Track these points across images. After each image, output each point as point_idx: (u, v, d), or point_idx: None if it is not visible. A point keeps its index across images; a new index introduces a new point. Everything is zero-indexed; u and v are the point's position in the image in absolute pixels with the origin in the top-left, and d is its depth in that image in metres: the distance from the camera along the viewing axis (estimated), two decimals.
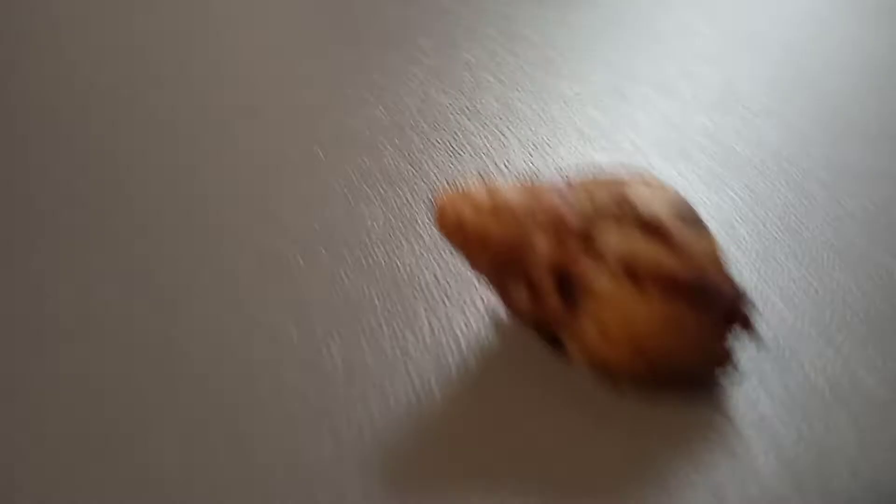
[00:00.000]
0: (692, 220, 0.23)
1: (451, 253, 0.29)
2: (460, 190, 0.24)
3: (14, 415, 0.24)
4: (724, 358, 0.25)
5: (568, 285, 0.23)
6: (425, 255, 0.29)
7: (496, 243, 0.23)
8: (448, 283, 0.28)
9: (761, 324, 0.27)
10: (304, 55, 0.41)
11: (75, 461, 0.22)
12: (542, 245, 0.23)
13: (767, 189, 0.32)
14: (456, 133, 0.35)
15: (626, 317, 0.22)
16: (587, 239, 0.23)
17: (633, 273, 0.22)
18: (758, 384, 0.25)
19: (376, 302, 0.28)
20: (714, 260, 0.23)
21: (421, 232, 0.30)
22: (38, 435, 0.23)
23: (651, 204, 0.23)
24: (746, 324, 0.24)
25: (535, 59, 0.39)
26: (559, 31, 0.41)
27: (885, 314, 0.27)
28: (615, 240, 0.23)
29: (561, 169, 0.32)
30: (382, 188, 0.32)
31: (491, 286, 0.25)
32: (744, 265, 0.29)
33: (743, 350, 0.26)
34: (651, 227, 0.23)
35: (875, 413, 0.24)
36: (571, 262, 0.23)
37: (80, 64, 0.40)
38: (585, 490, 0.22)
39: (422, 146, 0.34)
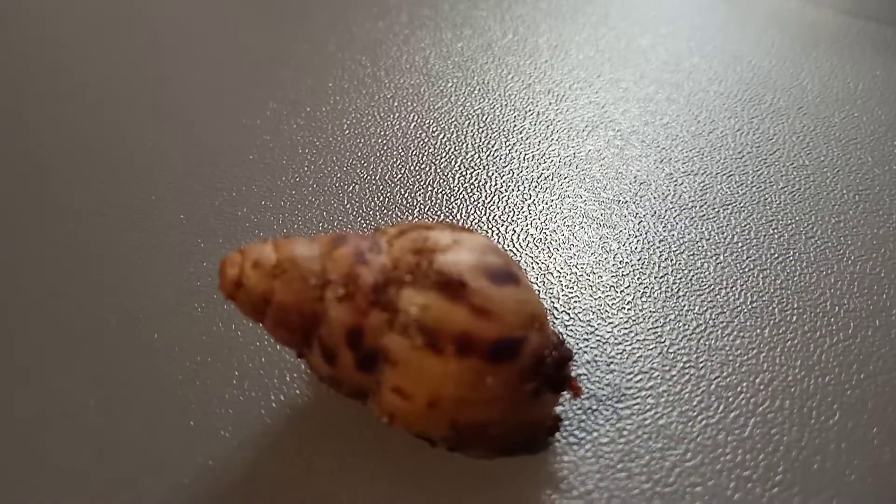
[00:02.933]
0: (501, 275, 0.21)
1: None
2: (245, 247, 0.21)
3: None
4: (550, 422, 0.23)
5: (366, 352, 0.20)
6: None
7: (280, 306, 0.20)
8: (269, 340, 0.26)
9: (596, 380, 0.24)
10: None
11: None
12: (335, 308, 0.20)
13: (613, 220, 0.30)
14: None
15: (422, 377, 0.20)
16: (385, 300, 0.20)
17: (429, 335, 0.20)
18: (593, 445, 0.23)
19: (191, 361, 0.25)
20: (524, 314, 0.21)
21: None
22: None
23: (452, 260, 0.20)
24: (563, 377, 0.21)
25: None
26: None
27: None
28: (412, 301, 0.20)
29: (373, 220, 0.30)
30: (215, 243, 0.29)
31: (293, 350, 0.22)
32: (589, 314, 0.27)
33: (576, 412, 0.24)
34: (451, 287, 0.20)
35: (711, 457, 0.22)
36: (366, 326, 0.20)
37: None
38: None
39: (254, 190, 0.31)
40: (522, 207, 0.30)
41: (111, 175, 0.32)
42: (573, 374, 0.22)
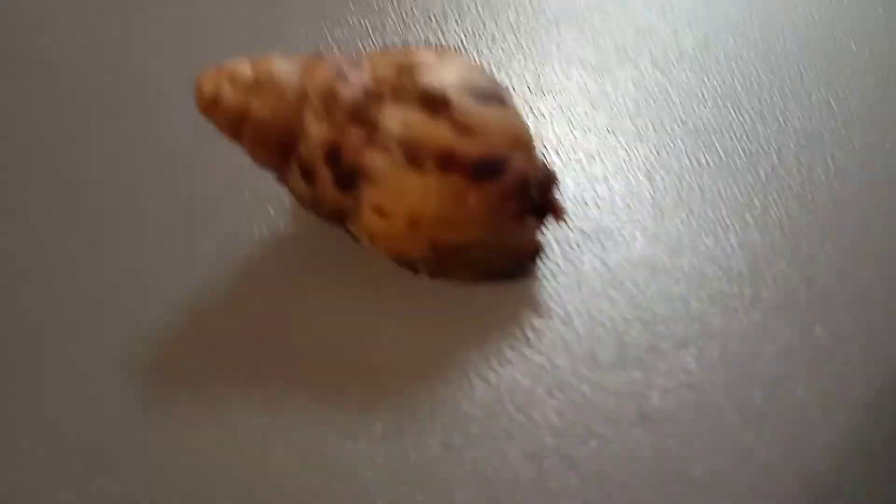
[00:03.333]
0: (488, 95, 0.20)
1: None
2: (222, 64, 0.20)
3: None
4: (532, 247, 0.22)
5: (344, 169, 0.20)
6: (235, 150, 0.26)
7: (258, 122, 0.20)
8: (253, 175, 0.25)
9: (580, 210, 0.24)
10: None
11: None
12: (314, 125, 0.20)
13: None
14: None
15: (402, 194, 0.20)
16: (364, 116, 0.20)
17: (410, 151, 0.19)
18: (576, 275, 0.23)
19: (174, 196, 0.25)
20: (509, 135, 0.20)
21: None
22: None
23: (436, 78, 0.20)
24: (547, 201, 0.21)
25: None
26: None
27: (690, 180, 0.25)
28: (393, 117, 0.20)
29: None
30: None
31: (273, 174, 0.22)
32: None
33: (557, 241, 0.23)
34: (433, 103, 0.20)
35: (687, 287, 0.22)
36: (345, 143, 0.20)
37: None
38: (361, 388, 0.20)
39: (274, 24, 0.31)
40: (518, 52, 0.29)
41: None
42: (557, 200, 0.22)
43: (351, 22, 0.31)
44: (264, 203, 0.24)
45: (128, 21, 0.31)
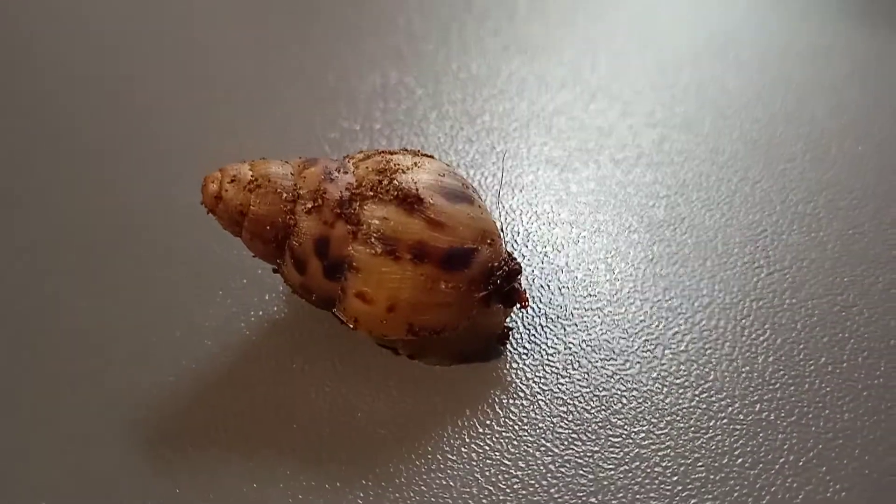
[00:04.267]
0: (458, 195, 0.23)
1: None
2: (224, 166, 0.23)
3: None
4: (500, 332, 0.25)
5: (332, 261, 0.22)
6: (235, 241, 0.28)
7: (256, 217, 0.22)
8: (252, 264, 0.27)
9: (547, 294, 0.26)
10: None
11: None
12: (304, 220, 0.22)
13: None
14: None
15: (382, 282, 0.22)
16: (349, 213, 0.22)
17: (388, 244, 0.22)
18: (540, 356, 0.25)
19: (177, 280, 0.27)
20: (476, 229, 0.23)
21: None
22: None
23: (411, 179, 0.22)
24: (512, 290, 0.23)
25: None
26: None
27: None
28: (374, 214, 0.22)
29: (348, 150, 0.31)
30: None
31: (269, 264, 0.24)
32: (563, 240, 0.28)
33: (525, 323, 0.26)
34: (408, 202, 0.22)
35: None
36: (333, 236, 0.22)
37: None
38: (349, 464, 0.22)
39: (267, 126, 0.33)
40: (490, 154, 0.32)
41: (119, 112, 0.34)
42: (523, 288, 0.24)
43: (342, 126, 0.34)
44: (262, 290, 0.26)
45: (138, 118, 0.34)
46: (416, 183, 0.22)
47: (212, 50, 0.38)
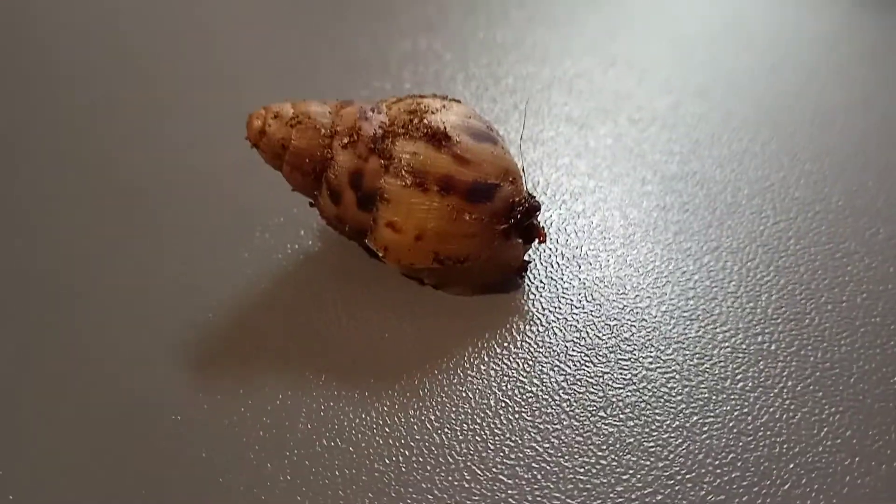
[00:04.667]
0: (482, 135, 0.24)
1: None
2: (270, 105, 0.25)
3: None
4: (519, 264, 0.26)
5: (365, 192, 0.24)
6: (274, 180, 0.30)
7: (296, 151, 0.24)
8: (288, 203, 0.29)
9: (563, 232, 0.28)
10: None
11: None
12: (340, 154, 0.24)
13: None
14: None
15: (411, 212, 0.23)
16: (382, 149, 0.24)
17: (417, 176, 0.23)
18: (557, 290, 0.26)
19: (220, 220, 0.29)
20: (499, 167, 0.24)
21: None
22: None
23: (440, 119, 0.24)
24: (531, 225, 0.25)
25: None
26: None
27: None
28: (404, 149, 0.24)
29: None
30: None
31: (307, 198, 0.26)
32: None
33: (541, 259, 0.27)
34: (437, 138, 0.24)
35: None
36: (366, 169, 0.24)
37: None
38: (377, 379, 0.23)
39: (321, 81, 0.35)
40: (514, 112, 0.34)
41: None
42: (541, 225, 0.25)
43: (374, 85, 0.35)
44: (297, 227, 0.28)
45: (185, 66, 0.36)
46: (444, 122, 0.24)
47: (255, 21, 0.40)
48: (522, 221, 0.25)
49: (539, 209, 0.25)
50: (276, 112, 0.24)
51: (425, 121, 0.24)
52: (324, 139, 0.24)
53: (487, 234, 0.24)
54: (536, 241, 0.25)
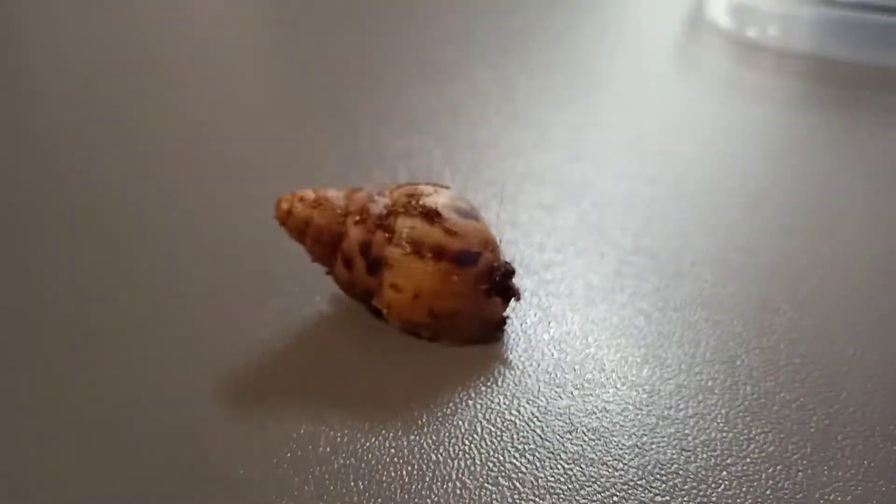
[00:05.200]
0: (466, 213, 0.30)
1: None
2: (294, 191, 0.30)
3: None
4: (499, 320, 0.31)
5: (372, 259, 0.29)
6: (291, 254, 0.35)
7: (317, 228, 0.30)
8: (303, 274, 0.35)
9: (533, 291, 0.33)
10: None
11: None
12: (352, 229, 0.29)
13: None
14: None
15: (410, 275, 0.29)
16: (386, 225, 0.29)
17: (416, 246, 0.29)
18: (531, 342, 0.31)
19: (244, 286, 0.34)
20: (481, 239, 0.30)
21: (286, 238, 0.36)
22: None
23: (432, 200, 0.30)
24: (509, 287, 0.30)
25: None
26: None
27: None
28: (404, 224, 0.29)
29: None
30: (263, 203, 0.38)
31: (324, 267, 0.31)
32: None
33: (518, 315, 0.32)
34: (430, 216, 0.29)
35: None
36: (374, 241, 0.29)
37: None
38: (384, 412, 0.28)
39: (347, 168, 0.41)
40: (493, 199, 0.40)
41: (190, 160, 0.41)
42: (516, 287, 0.31)
43: (373, 177, 0.41)
44: (311, 293, 0.33)
45: (218, 147, 0.42)
46: (436, 203, 0.29)
47: (267, 119, 0.46)
48: (501, 283, 0.30)
49: (514, 273, 0.30)
50: (301, 196, 0.30)
51: (421, 202, 0.29)
52: (339, 217, 0.30)
53: (472, 292, 0.29)
54: (513, 299, 0.30)
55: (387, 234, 0.29)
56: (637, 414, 0.28)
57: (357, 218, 0.29)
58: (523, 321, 0.32)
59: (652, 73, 0.53)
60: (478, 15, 0.60)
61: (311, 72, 0.52)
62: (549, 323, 0.32)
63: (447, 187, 0.31)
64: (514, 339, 0.31)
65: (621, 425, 0.28)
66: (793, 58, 0.55)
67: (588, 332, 0.32)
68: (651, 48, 0.56)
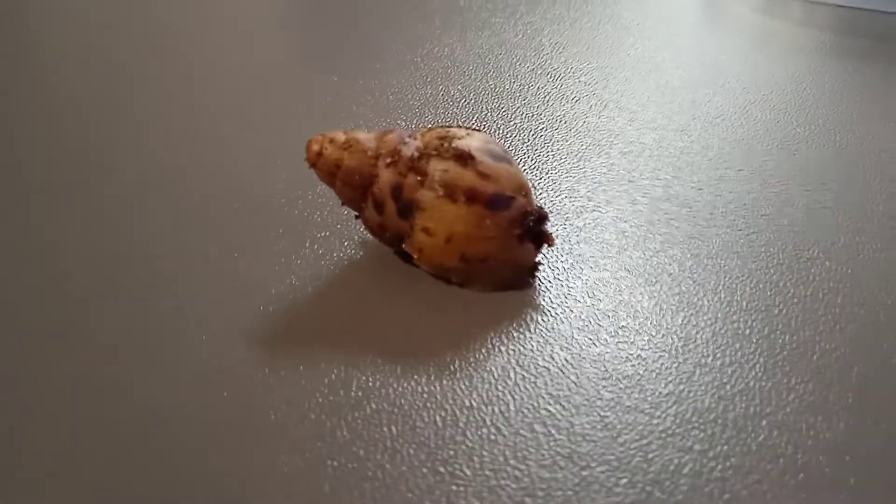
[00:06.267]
0: (499, 156, 0.28)
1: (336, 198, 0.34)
2: (325, 132, 0.29)
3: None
4: (532, 265, 0.30)
5: (404, 202, 0.28)
6: (319, 201, 0.34)
7: (347, 170, 0.28)
8: (333, 220, 0.33)
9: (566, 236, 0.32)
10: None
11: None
12: (384, 172, 0.28)
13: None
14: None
15: (442, 218, 0.27)
16: (418, 168, 0.28)
17: (448, 190, 0.27)
18: (563, 288, 0.30)
19: (276, 232, 0.32)
20: (514, 183, 0.28)
21: (319, 185, 0.35)
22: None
23: (465, 143, 0.28)
24: (542, 232, 0.28)
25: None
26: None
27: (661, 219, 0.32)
28: (436, 167, 0.27)
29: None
30: (297, 155, 0.36)
31: (354, 212, 0.29)
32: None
33: (550, 263, 0.31)
34: (463, 158, 0.27)
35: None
36: (405, 183, 0.28)
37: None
38: (415, 357, 0.27)
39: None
40: (523, 145, 0.38)
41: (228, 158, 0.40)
42: (550, 232, 0.29)
43: (399, 124, 0.39)
44: (341, 238, 0.32)
45: (251, 96, 0.40)
46: (469, 145, 0.28)
47: (300, 65, 0.45)
48: (534, 228, 0.28)
49: (547, 218, 0.29)
50: (331, 138, 0.28)
51: (454, 144, 0.28)
52: (370, 160, 0.28)
53: (505, 237, 0.28)
54: (546, 245, 0.29)
55: (419, 177, 0.27)
56: (673, 362, 0.27)
57: (388, 160, 0.28)
58: (555, 267, 0.30)
59: (678, 23, 0.50)
60: None
61: (338, 21, 0.50)
62: (582, 269, 0.30)
63: (479, 130, 0.29)
64: (545, 286, 0.30)
65: (657, 373, 0.26)
66: (823, 6, 0.52)
67: (621, 280, 0.30)
68: None
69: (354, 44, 0.47)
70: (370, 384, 0.25)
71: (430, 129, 0.29)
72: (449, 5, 0.50)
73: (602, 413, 0.25)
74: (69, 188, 0.35)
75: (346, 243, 0.32)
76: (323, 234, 0.32)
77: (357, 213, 0.29)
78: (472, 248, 0.27)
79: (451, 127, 0.29)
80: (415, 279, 0.30)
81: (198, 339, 0.27)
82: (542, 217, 0.28)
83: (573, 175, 0.35)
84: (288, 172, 0.35)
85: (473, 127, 0.29)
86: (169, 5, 0.52)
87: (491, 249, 0.28)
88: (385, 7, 0.50)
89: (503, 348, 0.27)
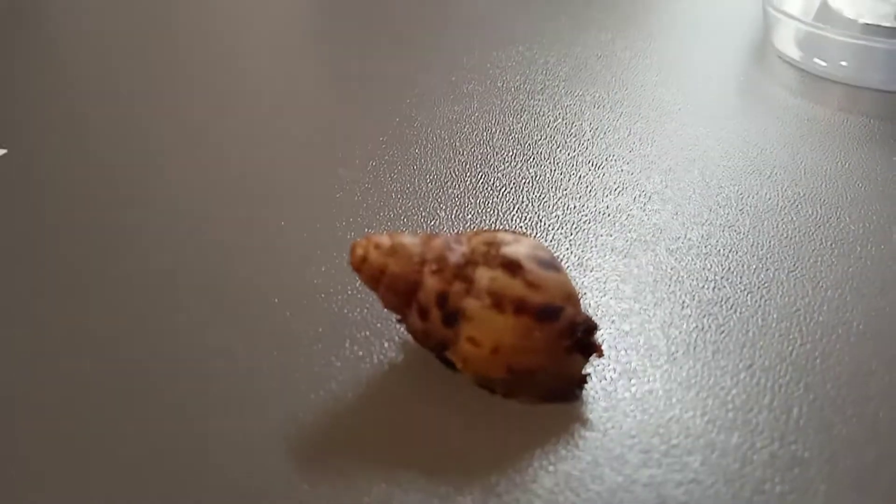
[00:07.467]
0: (547, 264, 0.28)
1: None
2: (369, 235, 0.29)
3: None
4: (579, 377, 0.30)
5: (449, 311, 0.28)
6: (359, 297, 0.34)
7: (392, 276, 0.28)
8: (372, 319, 0.33)
9: (615, 348, 0.32)
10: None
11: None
12: (429, 278, 0.28)
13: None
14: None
15: (489, 329, 0.27)
16: (464, 275, 0.28)
17: (496, 299, 0.27)
18: (612, 401, 0.30)
19: (315, 331, 0.33)
20: (563, 292, 0.28)
21: (357, 281, 0.35)
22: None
23: (513, 250, 0.28)
24: (590, 343, 0.28)
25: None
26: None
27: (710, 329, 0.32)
28: (484, 275, 0.28)
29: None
30: (334, 247, 0.37)
31: (396, 316, 0.30)
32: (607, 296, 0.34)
33: (599, 374, 0.31)
34: (511, 267, 0.28)
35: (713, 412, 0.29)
36: (451, 291, 0.28)
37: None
38: (459, 476, 0.27)
39: (396, 194, 0.40)
40: (565, 240, 0.38)
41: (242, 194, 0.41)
42: (598, 342, 0.29)
43: (440, 217, 0.40)
44: (381, 339, 0.32)
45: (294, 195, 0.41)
46: (517, 253, 0.28)
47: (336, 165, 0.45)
48: (583, 339, 0.28)
49: (597, 329, 0.29)
50: (376, 243, 0.28)
51: (501, 251, 0.28)
52: (416, 266, 0.28)
53: (553, 349, 0.28)
54: (595, 355, 0.29)
55: (465, 285, 0.28)
56: (729, 488, 0.26)
57: (434, 267, 0.28)
58: (602, 377, 0.30)
59: (719, 107, 0.51)
60: (537, 44, 0.59)
61: (370, 110, 0.51)
62: (630, 380, 0.30)
63: (526, 234, 0.29)
64: (593, 397, 0.29)
65: (714, 500, 0.26)
66: (865, 91, 0.53)
67: (671, 392, 0.30)
68: (717, 81, 0.54)
69: (397, 129, 0.48)
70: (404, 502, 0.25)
71: (477, 232, 0.29)
72: (486, 87, 0.51)
73: None
74: (93, 280, 0.36)
75: (386, 345, 0.32)
76: (363, 335, 0.32)
77: (399, 318, 0.29)
78: (519, 360, 0.27)
79: (498, 231, 0.29)
80: (458, 387, 0.30)
81: (226, 450, 0.27)
82: (591, 328, 0.28)
83: (619, 273, 0.36)
84: (327, 266, 0.36)
85: (520, 231, 0.30)
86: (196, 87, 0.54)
87: (538, 362, 0.28)
88: (421, 87, 0.51)
89: (551, 468, 0.27)
